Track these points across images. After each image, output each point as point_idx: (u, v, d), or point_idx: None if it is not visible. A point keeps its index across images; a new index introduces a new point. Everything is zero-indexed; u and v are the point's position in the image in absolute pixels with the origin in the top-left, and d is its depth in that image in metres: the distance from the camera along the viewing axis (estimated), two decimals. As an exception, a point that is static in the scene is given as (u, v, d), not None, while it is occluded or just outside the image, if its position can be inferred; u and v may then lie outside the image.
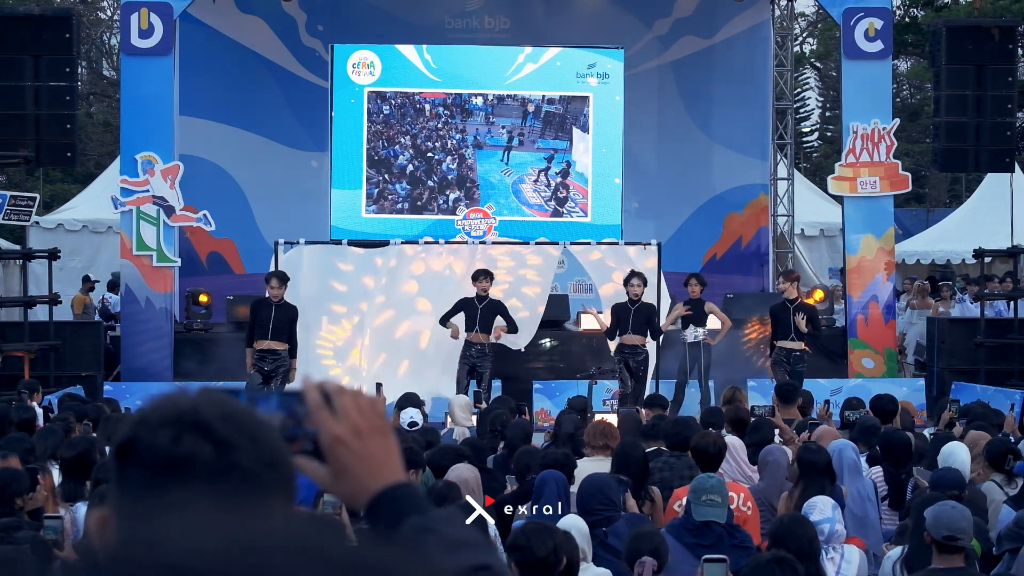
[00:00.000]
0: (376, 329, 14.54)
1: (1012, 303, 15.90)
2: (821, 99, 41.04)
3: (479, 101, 18.09)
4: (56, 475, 6.92)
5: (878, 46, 15.79)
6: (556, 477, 6.44)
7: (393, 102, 18.06)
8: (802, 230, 20.52)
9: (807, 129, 39.09)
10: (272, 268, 14.21)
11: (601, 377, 12.95)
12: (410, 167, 18.14)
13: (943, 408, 10.56)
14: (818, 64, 39.23)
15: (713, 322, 13.83)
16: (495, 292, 14.16)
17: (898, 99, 34.25)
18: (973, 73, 15.58)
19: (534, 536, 4.58)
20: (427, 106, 18.12)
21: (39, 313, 14.82)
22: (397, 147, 18.13)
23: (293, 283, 13.98)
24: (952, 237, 22.09)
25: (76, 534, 6.04)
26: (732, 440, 8.19)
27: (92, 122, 32.89)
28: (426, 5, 18.76)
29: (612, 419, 9.27)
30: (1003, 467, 7.41)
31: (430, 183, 18.14)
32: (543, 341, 15.43)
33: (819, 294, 16.87)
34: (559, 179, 18.15)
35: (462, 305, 13.57)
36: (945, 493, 6.02)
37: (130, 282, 15.35)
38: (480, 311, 13.45)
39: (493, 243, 15.94)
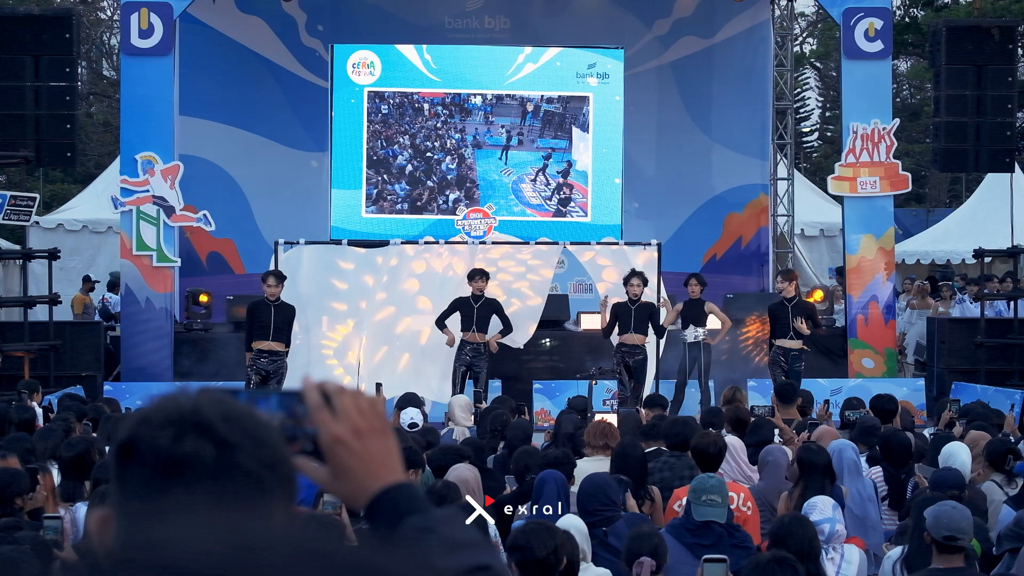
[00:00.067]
0: (376, 324, 14.55)
1: (1012, 303, 15.90)
2: (821, 99, 41.05)
3: (478, 100, 18.09)
4: (55, 475, 6.92)
5: (878, 46, 15.79)
6: (555, 477, 6.44)
7: (391, 101, 18.05)
8: (802, 230, 20.53)
9: (807, 129, 39.09)
10: (271, 268, 14.20)
11: (601, 377, 12.94)
12: (409, 167, 18.13)
13: (943, 408, 10.56)
14: (818, 64, 39.24)
15: (713, 322, 13.83)
16: (496, 291, 14.17)
17: (898, 99, 34.27)
18: (973, 73, 15.58)
19: (534, 536, 4.58)
20: (426, 105, 18.11)
21: (39, 313, 14.82)
22: (396, 147, 18.13)
23: (293, 283, 13.99)
24: (952, 237, 22.09)
25: (76, 534, 6.05)
26: (732, 440, 8.19)
27: (92, 122, 32.90)
28: (426, 5, 18.76)
29: (612, 419, 9.27)
30: (1003, 467, 7.42)
31: (430, 183, 18.14)
32: (543, 341, 15.43)
33: (819, 294, 16.88)
34: (560, 179, 18.15)
35: (458, 305, 13.56)
36: (945, 493, 6.02)
37: (130, 282, 15.36)
38: (476, 311, 13.44)
39: (493, 243, 15.94)
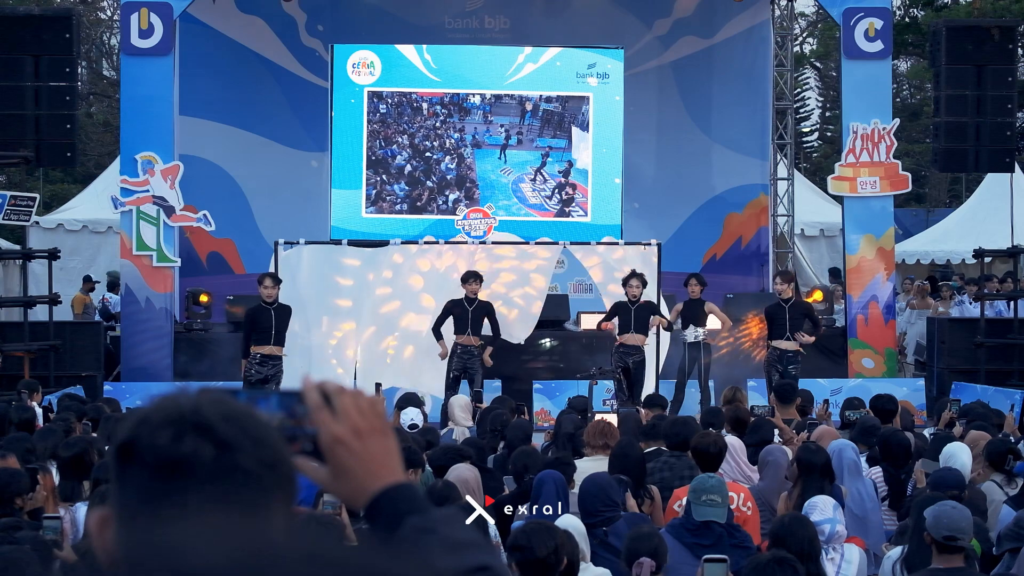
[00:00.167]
0: (382, 316, 14.59)
1: (1012, 303, 15.90)
2: (821, 99, 41.05)
3: (477, 100, 18.08)
4: (55, 475, 6.92)
5: (878, 46, 15.79)
6: (554, 477, 6.44)
7: (389, 101, 18.04)
8: (802, 230, 20.52)
9: (807, 129, 39.09)
10: (272, 268, 14.21)
11: (601, 377, 12.95)
12: (408, 167, 18.13)
13: (943, 408, 10.56)
14: (818, 64, 39.24)
15: (713, 322, 13.84)
16: (499, 289, 14.19)
17: (898, 99, 34.27)
18: (973, 73, 15.58)
19: (535, 536, 4.58)
20: (424, 105, 18.10)
21: (39, 313, 14.82)
22: (395, 147, 18.12)
23: (294, 283, 14.00)
24: (952, 237, 22.09)
25: (76, 534, 6.05)
26: (732, 440, 8.19)
27: (92, 122, 32.90)
28: (426, 5, 18.76)
29: (612, 419, 9.27)
30: (1003, 467, 7.42)
31: (429, 183, 18.14)
32: (543, 341, 15.43)
33: (818, 294, 16.87)
34: (560, 178, 18.14)
35: (451, 307, 13.54)
36: (945, 493, 6.02)
37: (130, 282, 15.36)
38: (471, 313, 13.44)
39: (494, 243, 15.95)
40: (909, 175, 16.36)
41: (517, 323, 14.81)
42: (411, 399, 10.50)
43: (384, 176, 18.09)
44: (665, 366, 14.26)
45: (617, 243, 16.05)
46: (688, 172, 19.10)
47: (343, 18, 18.72)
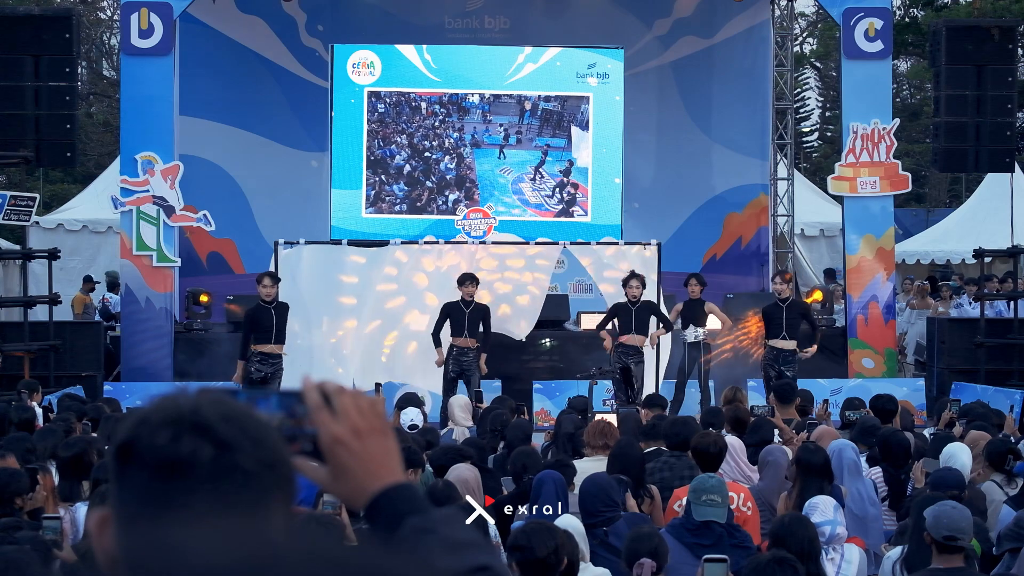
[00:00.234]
0: (388, 311, 14.62)
1: (1012, 303, 15.89)
2: (821, 99, 41.05)
3: (475, 99, 18.08)
4: (55, 475, 6.91)
5: (878, 46, 15.79)
6: (554, 477, 6.44)
7: (388, 100, 18.04)
8: (802, 230, 20.52)
9: (807, 129, 39.09)
10: (272, 268, 14.21)
11: (601, 377, 12.95)
12: (407, 167, 18.12)
13: (943, 408, 10.56)
14: (818, 64, 39.24)
15: (713, 322, 13.84)
16: (503, 288, 14.20)
17: (898, 99, 34.27)
18: (973, 73, 15.59)
19: (535, 536, 4.58)
20: (423, 104, 18.10)
21: (39, 313, 14.82)
22: (394, 147, 18.12)
23: (295, 282, 14.01)
24: (952, 237, 22.09)
25: (76, 534, 6.05)
26: (732, 440, 8.19)
27: (92, 122, 32.90)
28: (426, 5, 18.75)
29: (612, 419, 9.27)
30: (1003, 467, 7.41)
31: (428, 184, 18.13)
32: (543, 341, 15.44)
33: (818, 294, 16.88)
34: (561, 177, 18.14)
35: (448, 310, 13.53)
36: (945, 493, 6.02)
37: (130, 282, 15.36)
38: (467, 316, 13.44)
39: (494, 243, 15.95)
40: (909, 175, 16.36)
41: (517, 321, 14.84)
42: (411, 399, 10.50)
43: (383, 176, 18.09)
44: (666, 366, 14.26)
45: (617, 243, 16.05)
46: (688, 172, 19.10)
47: (343, 18, 18.72)
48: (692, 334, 13.60)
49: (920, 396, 14.85)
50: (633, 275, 13.59)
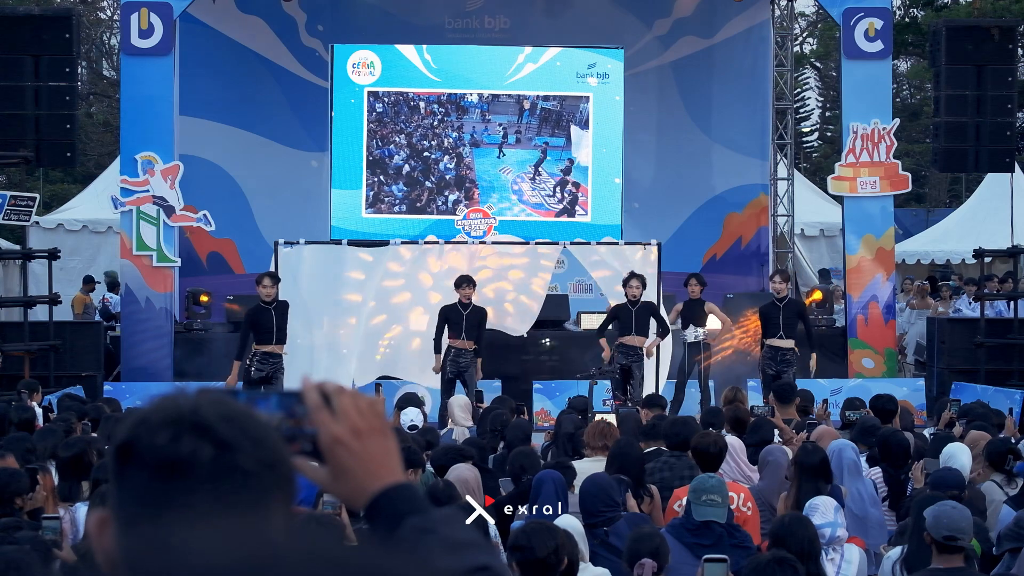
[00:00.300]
0: (394, 305, 14.64)
1: (1012, 303, 15.89)
2: (821, 99, 41.05)
3: (474, 98, 18.08)
4: (54, 475, 6.91)
5: (878, 46, 15.79)
6: (554, 477, 6.44)
7: (386, 100, 18.02)
8: (802, 230, 20.52)
9: (807, 129, 39.09)
10: (272, 268, 14.21)
11: (601, 377, 12.95)
12: (406, 167, 18.11)
13: (943, 408, 10.56)
14: (818, 64, 39.23)
15: (713, 322, 13.83)
16: (506, 287, 14.23)
17: (898, 99, 34.27)
18: (973, 73, 15.59)
19: (535, 536, 4.58)
20: (422, 104, 18.09)
21: (39, 313, 14.82)
22: (392, 146, 18.11)
23: (296, 282, 14.01)
24: (952, 237, 22.08)
25: (76, 534, 6.04)
26: (732, 440, 8.18)
27: (92, 122, 32.89)
28: (426, 5, 18.75)
29: (612, 419, 9.27)
30: (1003, 467, 7.41)
31: (428, 184, 18.12)
32: (543, 341, 15.44)
33: (818, 294, 16.88)
34: (561, 176, 18.13)
35: (446, 314, 13.54)
36: (945, 493, 6.02)
37: (130, 282, 15.36)
38: (465, 318, 13.45)
39: (494, 243, 15.96)
40: (909, 175, 16.36)
41: (517, 318, 14.87)
42: (411, 399, 10.50)
43: (382, 177, 18.08)
44: (667, 366, 14.26)
45: (617, 243, 16.05)
46: (688, 172, 19.10)
47: (343, 18, 18.71)
48: (692, 334, 13.59)
49: (920, 396, 14.85)
50: (633, 275, 13.58)
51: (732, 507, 6.21)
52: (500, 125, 18.07)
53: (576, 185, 18.11)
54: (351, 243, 15.25)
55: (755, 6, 18.72)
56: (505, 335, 14.96)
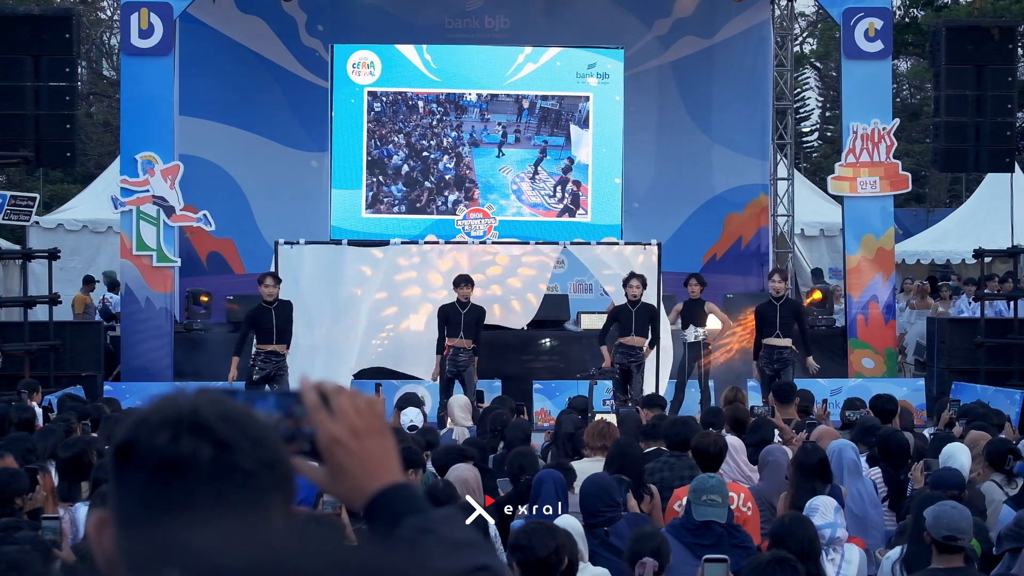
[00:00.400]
0: (405, 298, 14.66)
1: (1012, 303, 15.89)
2: (821, 99, 41.05)
3: (473, 97, 18.07)
4: (53, 475, 6.91)
5: (878, 46, 15.79)
6: (554, 477, 6.44)
7: (384, 99, 18.02)
8: (802, 230, 20.52)
9: (807, 129, 39.09)
10: (272, 268, 14.21)
11: (601, 377, 12.94)
12: (405, 167, 18.10)
13: (943, 408, 10.56)
14: (818, 64, 39.24)
15: (713, 322, 13.83)
16: (514, 283, 14.25)
17: (898, 99, 34.27)
18: (973, 73, 15.58)
19: (536, 536, 4.58)
20: (420, 103, 18.09)
21: (39, 313, 14.82)
22: (391, 146, 18.11)
23: (296, 281, 14.02)
24: (952, 237, 22.08)
25: (76, 534, 6.04)
26: (732, 440, 8.18)
27: (92, 122, 32.90)
28: (426, 5, 18.75)
29: (612, 419, 9.27)
30: (1003, 467, 7.41)
31: (427, 184, 18.12)
32: (543, 341, 15.44)
33: (817, 294, 16.87)
34: (560, 175, 18.12)
35: (446, 313, 13.54)
36: (945, 493, 6.02)
37: (130, 282, 15.36)
38: (463, 317, 13.47)
39: (494, 243, 15.96)
40: (909, 175, 16.36)
41: (519, 314, 14.92)
42: (411, 399, 10.51)
43: (381, 177, 18.07)
44: (667, 366, 14.25)
45: (617, 243, 16.04)
46: (688, 172, 19.10)
47: (343, 18, 18.71)
48: (692, 334, 13.58)
49: (920, 396, 14.84)
50: (633, 275, 13.57)
51: (732, 507, 6.21)
52: (499, 124, 18.07)
53: (577, 184, 18.11)
54: (351, 243, 15.25)
55: (755, 6, 18.72)
56: (505, 335, 14.96)
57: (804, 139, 37.33)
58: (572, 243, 15.74)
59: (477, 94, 18.04)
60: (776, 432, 8.89)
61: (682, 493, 6.39)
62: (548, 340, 15.47)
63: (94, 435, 8.36)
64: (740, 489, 6.87)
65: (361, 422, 1.67)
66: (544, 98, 18.04)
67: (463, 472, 7.00)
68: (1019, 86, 16.34)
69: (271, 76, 18.72)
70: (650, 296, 13.83)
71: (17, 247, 18.16)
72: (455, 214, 17.64)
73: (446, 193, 18.12)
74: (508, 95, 18.03)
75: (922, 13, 31.06)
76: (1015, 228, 16.23)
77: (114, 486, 1.41)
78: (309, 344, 14.24)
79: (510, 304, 15.05)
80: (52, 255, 14.79)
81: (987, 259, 16.68)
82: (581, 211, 18.08)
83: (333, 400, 1.67)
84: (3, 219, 15.39)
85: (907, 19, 31.54)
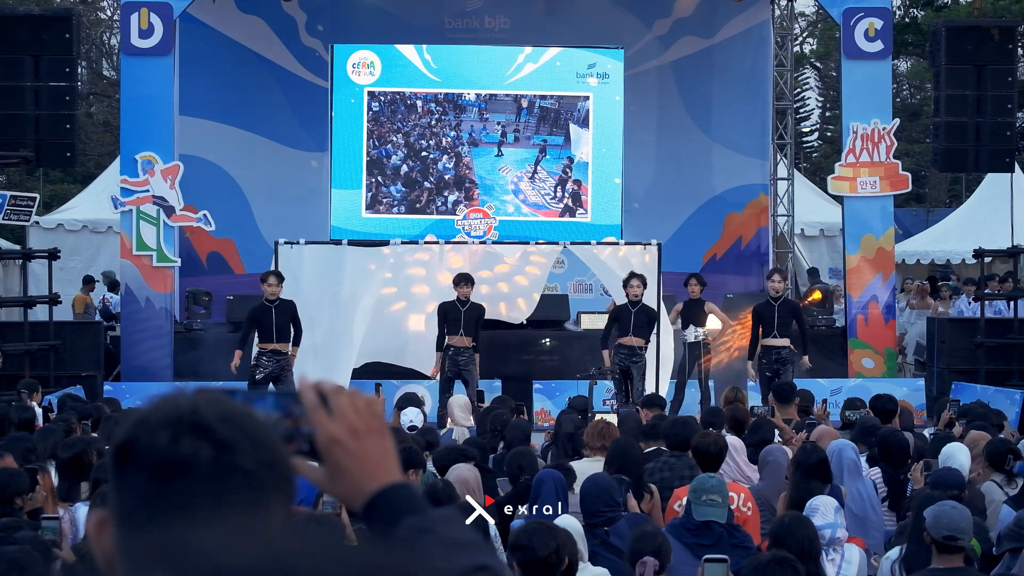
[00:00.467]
0: (414, 294, 14.67)
1: (1012, 303, 15.89)
2: (821, 99, 41.04)
3: (471, 97, 18.07)
4: (53, 475, 6.91)
5: (878, 46, 15.80)
6: (554, 476, 6.43)
7: (382, 99, 18.01)
8: (802, 230, 20.52)
9: (807, 129, 39.09)
10: (273, 268, 14.21)
11: (601, 377, 12.94)
12: (404, 167, 18.10)
13: (943, 408, 10.55)
14: (818, 64, 39.23)
15: (713, 322, 13.82)
16: (521, 281, 14.28)
17: (898, 99, 34.26)
18: (973, 73, 15.59)
19: (536, 536, 4.58)
20: (419, 103, 18.08)
21: (39, 313, 14.82)
22: (389, 146, 18.10)
23: (299, 281, 14.02)
24: (952, 237, 22.08)
25: (76, 534, 6.04)
26: (732, 440, 8.18)
27: (92, 122, 32.90)
28: (426, 5, 18.75)
29: (612, 419, 9.27)
30: (1003, 467, 7.41)
31: (427, 184, 18.11)
32: (543, 341, 15.44)
33: (817, 294, 16.87)
34: (560, 174, 18.12)
35: (445, 311, 13.55)
36: (945, 493, 6.01)
37: (130, 282, 15.37)
38: (463, 315, 13.47)
39: (494, 243, 15.96)
40: (909, 175, 16.36)
41: (520, 309, 14.95)
42: (411, 399, 10.51)
43: (380, 178, 18.07)
44: (667, 366, 14.24)
45: (617, 243, 16.04)
46: (688, 172, 19.10)
47: (343, 18, 18.71)
48: (692, 334, 13.58)
49: (920, 396, 14.84)
50: (633, 275, 13.55)
51: (732, 507, 6.21)
52: (498, 124, 18.07)
53: (577, 183, 18.11)
54: (351, 243, 15.25)
55: (755, 6, 18.72)
56: (505, 335, 14.96)
57: (804, 139, 37.34)
58: (572, 243, 15.74)
59: (476, 94, 18.04)
60: (776, 432, 8.89)
61: (682, 493, 6.39)
62: (548, 340, 15.47)
63: (94, 435, 8.35)
64: (740, 489, 6.87)
65: (360, 422, 1.67)
66: (543, 97, 18.04)
67: (463, 472, 7.00)
68: (1019, 86, 16.34)
69: (271, 76, 18.72)
70: (650, 296, 13.82)
71: (17, 247, 18.15)
72: (455, 214, 17.64)
73: (446, 193, 18.12)
74: (507, 94, 18.03)
75: (922, 13, 31.07)
76: (1015, 228, 16.24)
77: (114, 486, 1.41)
78: (309, 344, 14.22)
79: (524, 299, 15.10)
80: (52, 255, 14.79)
81: (987, 259, 16.68)
82: (581, 210, 18.08)
83: (332, 400, 1.67)
84: (3, 219, 15.39)
85: (907, 19, 31.54)
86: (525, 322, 15.19)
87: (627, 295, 13.47)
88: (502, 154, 18.09)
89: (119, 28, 19.27)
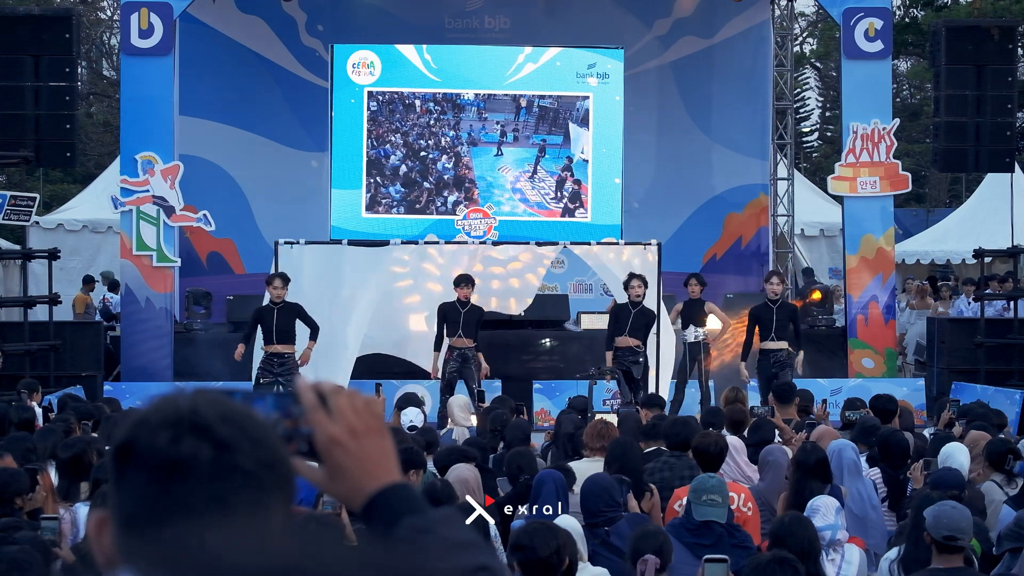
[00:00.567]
0: (428, 290, 14.71)
1: (1012, 303, 15.89)
2: (821, 99, 41.04)
3: (470, 96, 18.07)
4: (53, 475, 6.91)
5: (878, 46, 15.80)
6: (554, 477, 6.43)
7: (380, 99, 18.00)
8: (802, 230, 20.52)
9: (807, 129, 39.08)
10: (273, 268, 14.21)
11: (601, 377, 12.94)
12: (403, 167, 18.09)
13: (943, 408, 10.55)
14: (818, 64, 39.23)
15: (713, 322, 13.82)
16: (531, 279, 14.33)
17: (898, 99, 34.26)
18: (973, 73, 15.59)
19: (537, 536, 4.58)
20: (417, 102, 18.08)
21: (39, 313, 14.82)
22: (388, 146, 18.10)
23: (299, 281, 14.02)
24: (952, 237, 22.09)
25: (76, 534, 6.04)
26: (732, 440, 8.18)
27: (92, 122, 32.90)
28: (426, 5, 18.75)
29: (612, 419, 9.27)
30: (1003, 467, 7.41)
31: (426, 184, 18.11)
32: (543, 341, 15.44)
33: (817, 294, 16.86)
34: (560, 174, 18.11)
35: (445, 312, 13.55)
36: (945, 493, 6.01)
37: (130, 282, 15.37)
38: (463, 316, 13.47)
39: (494, 243, 15.95)
40: (909, 175, 16.36)
41: (515, 298, 15.01)
42: (411, 399, 10.50)
43: (379, 178, 18.06)
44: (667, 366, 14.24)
45: (617, 243, 16.04)
46: (688, 172, 19.10)
47: (343, 18, 18.72)
48: (692, 334, 13.57)
49: (920, 396, 14.84)
50: (633, 276, 13.53)
51: (732, 507, 6.21)
52: (497, 123, 18.06)
53: (577, 182, 18.10)
54: (351, 243, 15.24)
55: (755, 6, 18.72)
56: (505, 336, 14.96)
57: (804, 139, 37.33)
58: (572, 243, 15.74)
59: (475, 93, 18.04)
60: (776, 432, 8.89)
61: (682, 493, 6.39)
62: (548, 340, 15.47)
63: (94, 435, 8.35)
64: (740, 489, 6.87)
65: (359, 422, 1.67)
66: (542, 97, 18.04)
67: (463, 472, 7.00)
68: (1019, 86, 16.34)
69: (271, 76, 18.72)
70: (650, 296, 13.81)
71: (17, 247, 18.16)
72: (455, 214, 17.63)
73: (445, 193, 18.12)
74: (506, 94, 18.03)
75: (922, 13, 31.08)
76: (1015, 228, 16.24)
77: (114, 486, 1.41)
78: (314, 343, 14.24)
79: (510, 291, 15.12)
80: (52, 255, 14.80)
81: (987, 259, 16.68)
82: (581, 210, 18.07)
83: (331, 400, 1.67)
84: (3, 219, 15.39)
85: (907, 19, 31.55)
86: (523, 314, 15.14)
87: (628, 296, 13.46)
88: (501, 153, 18.09)
89: (119, 28, 19.27)
